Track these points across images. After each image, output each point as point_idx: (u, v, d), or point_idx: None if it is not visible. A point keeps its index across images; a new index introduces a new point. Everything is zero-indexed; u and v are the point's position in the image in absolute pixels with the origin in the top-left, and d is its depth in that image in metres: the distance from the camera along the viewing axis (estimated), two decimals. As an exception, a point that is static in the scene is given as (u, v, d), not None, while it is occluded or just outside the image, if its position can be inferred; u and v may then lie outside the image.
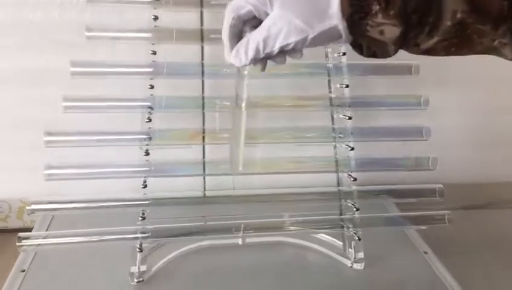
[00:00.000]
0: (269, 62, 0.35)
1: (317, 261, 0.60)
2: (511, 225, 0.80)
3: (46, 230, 0.61)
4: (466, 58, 0.32)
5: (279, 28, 0.32)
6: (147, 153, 0.53)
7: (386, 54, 0.32)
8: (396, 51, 0.32)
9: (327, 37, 0.32)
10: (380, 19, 0.29)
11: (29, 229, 0.52)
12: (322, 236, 0.63)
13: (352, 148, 0.57)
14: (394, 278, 0.57)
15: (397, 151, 0.60)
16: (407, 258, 0.61)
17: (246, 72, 0.39)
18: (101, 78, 0.52)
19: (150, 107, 0.53)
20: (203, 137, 0.55)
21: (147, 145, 0.53)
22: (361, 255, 0.58)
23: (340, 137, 0.58)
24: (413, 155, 0.59)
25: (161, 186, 0.56)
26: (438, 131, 0.59)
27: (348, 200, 0.58)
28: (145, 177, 0.54)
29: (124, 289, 0.53)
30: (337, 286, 0.56)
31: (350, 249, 0.59)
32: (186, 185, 0.62)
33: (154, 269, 0.56)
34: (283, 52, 0.33)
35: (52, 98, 0.51)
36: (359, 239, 0.58)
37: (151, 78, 0.52)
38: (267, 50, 0.33)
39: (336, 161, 0.59)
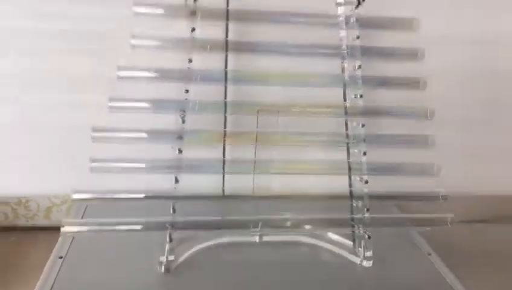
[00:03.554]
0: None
1: (328, 259, 0.65)
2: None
3: (81, 220, 0.66)
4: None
5: None
6: (180, 151, 0.59)
7: None
8: None
9: None
10: None
11: (57, 228, 0.57)
12: (334, 236, 0.67)
13: (365, 153, 0.62)
14: (401, 275, 0.62)
15: (404, 158, 0.65)
16: (413, 258, 0.66)
17: None
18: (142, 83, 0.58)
19: (183, 110, 0.59)
20: (224, 139, 0.60)
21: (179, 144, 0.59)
22: (370, 253, 0.63)
23: (353, 143, 0.63)
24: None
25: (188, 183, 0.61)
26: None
27: (359, 201, 0.64)
28: (176, 173, 0.59)
29: (152, 276, 0.58)
30: (347, 281, 0.61)
31: (360, 248, 0.64)
32: (215, 183, 0.68)
33: (180, 259, 0.61)
34: None
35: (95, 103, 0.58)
36: (369, 237, 0.63)
37: (185, 84, 0.58)
38: None
39: (349, 165, 0.64)
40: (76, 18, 0.66)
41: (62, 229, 0.56)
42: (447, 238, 0.67)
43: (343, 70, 0.62)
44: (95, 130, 0.56)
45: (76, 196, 0.57)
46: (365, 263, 0.63)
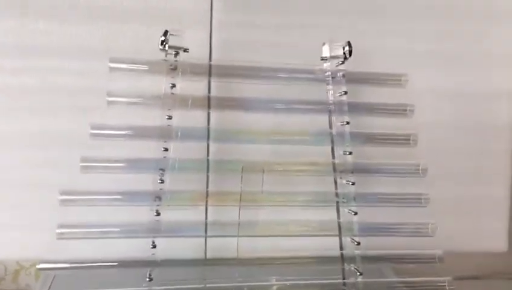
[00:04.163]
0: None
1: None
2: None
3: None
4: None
5: None
6: (158, 214, 0.55)
7: None
8: None
9: None
10: None
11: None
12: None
13: (356, 213, 0.59)
14: None
15: (394, 217, 0.62)
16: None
17: None
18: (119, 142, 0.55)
19: (162, 169, 0.55)
20: (207, 199, 0.57)
21: (157, 205, 0.55)
22: (366, 321, 0.58)
23: (343, 202, 0.60)
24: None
25: (166, 247, 0.56)
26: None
27: (351, 265, 0.60)
28: (154, 237, 0.55)
29: None
30: None
31: (353, 318, 0.59)
32: (196, 245, 0.63)
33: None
34: None
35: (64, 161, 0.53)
36: (363, 304, 0.58)
37: (165, 141, 0.55)
38: None
39: (339, 225, 0.60)
40: (47, 72, 0.63)
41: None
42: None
43: (330, 126, 0.60)
44: (63, 193, 0.52)
45: (42, 266, 0.51)
46: (361, 334, 0.58)
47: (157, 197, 0.55)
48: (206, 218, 0.61)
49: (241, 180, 0.57)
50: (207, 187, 0.58)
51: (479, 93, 0.78)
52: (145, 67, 0.55)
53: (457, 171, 0.79)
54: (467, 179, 0.80)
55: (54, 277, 0.64)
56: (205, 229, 0.57)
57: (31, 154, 0.65)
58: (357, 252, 0.59)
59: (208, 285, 0.57)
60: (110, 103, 0.53)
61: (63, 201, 0.52)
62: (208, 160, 0.57)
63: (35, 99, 0.63)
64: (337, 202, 0.60)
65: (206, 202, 0.56)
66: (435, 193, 0.62)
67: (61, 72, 0.62)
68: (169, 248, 0.56)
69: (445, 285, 0.61)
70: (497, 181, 0.82)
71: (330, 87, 0.60)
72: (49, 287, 0.62)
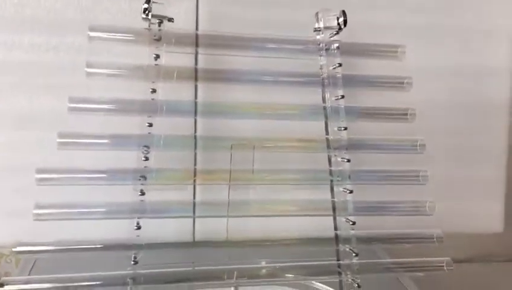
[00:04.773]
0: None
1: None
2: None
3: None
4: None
5: None
6: (143, 193, 0.52)
7: None
8: None
9: None
10: None
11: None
12: (318, 285, 0.60)
13: (351, 191, 0.56)
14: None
15: (392, 196, 0.60)
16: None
17: None
18: (97, 116, 0.51)
19: (147, 146, 0.52)
20: (195, 178, 0.54)
21: (141, 185, 0.52)
22: (360, 305, 0.56)
23: (338, 180, 0.57)
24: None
25: (152, 230, 0.53)
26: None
27: (346, 245, 0.57)
28: (139, 218, 0.51)
29: None
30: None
31: (349, 300, 0.57)
32: (183, 227, 0.60)
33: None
34: None
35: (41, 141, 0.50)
36: (359, 286, 0.56)
37: (149, 116, 0.52)
38: None
39: (333, 205, 0.58)
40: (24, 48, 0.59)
41: (2, 290, 0.47)
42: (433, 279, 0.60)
43: (324, 100, 0.57)
44: (39, 171, 0.48)
45: (19, 249, 0.48)
46: (355, 315, 0.56)
47: (142, 176, 0.52)
48: (194, 198, 0.58)
49: (231, 159, 0.54)
50: (195, 165, 0.55)
51: (476, 71, 0.76)
52: (127, 36, 0.51)
53: (453, 151, 0.78)
54: (463, 158, 0.79)
55: (34, 262, 0.61)
56: (193, 209, 0.54)
57: (7, 136, 0.61)
58: (352, 232, 0.57)
59: (196, 268, 0.54)
60: (89, 74, 0.50)
61: (40, 180, 0.48)
62: (195, 136, 0.53)
63: (7, 79, 0.59)
64: (331, 181, 0.57)
65: (194, 180, 0.53)
66: (429, 174, 0.59)
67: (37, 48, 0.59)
68: (155, 231, 0.53)
69: (443, 265, 0.58)
70: (493, 161, 0.81)
71: (324, 59, 0.57)
72: (29, 273, 0.59)
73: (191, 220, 0.62)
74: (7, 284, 0.48)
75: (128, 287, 0.51)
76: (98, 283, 0.50)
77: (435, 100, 0.74)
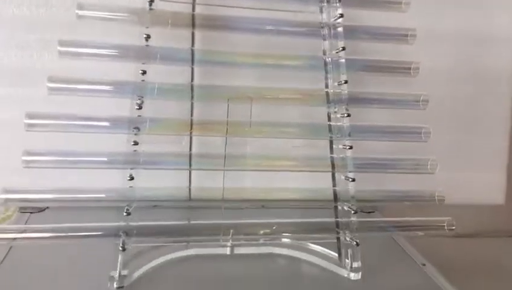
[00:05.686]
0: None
1: (310, 272, 0.56)
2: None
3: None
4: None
5: None
6: (136, 143, 0.50)
7: None
8: None
9: None
10: None
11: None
12: (316, 247, 0.59)
13: (351, 147, 0.54)
14: (394, 288, 0.54)
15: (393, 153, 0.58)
16: (405, 269, 0.58)
17: None
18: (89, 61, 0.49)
19: (140, 95, 0.50)
20: (191, 129, 0.52)
21: (135, 134, 0.50)
22: (358, 264, 0.55)
23: (337, 136, 0.56)
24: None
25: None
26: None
27: (345, 203, 0.56)
28: (132, 169, 0.50)
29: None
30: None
31: (347, 260, 0.55)
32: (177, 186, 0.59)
33: (135, 274, 0.51)
34: None
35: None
36: (357, 244, 0.54)
37: (143, 63, 0.50)
38: None
39: (332, 161, 0.56)
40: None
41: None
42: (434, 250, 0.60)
43: (324, 52, 0.55)
44: (30, 116, 0.46)
45: (4, 196, 0.47)
46: (353, 276, 0.54)
47: (135, 127, 0.50)
48: (190, 149, 0.56)
49: (228, 111, 0.52)
50: (191, 115, 0.53)
51: (480, 37, 0.74)
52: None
53: (455, 120, 0.76)
54: (465, 128, 0.77)
55: (29, 217, 0.60)
56: (189, 161, 0.52)
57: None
58: (351, 189, 0.55)
59: (192, 222, 0.53)
60: (80, 17, 0.48)
61: (30, 125, 0.47)
62: (192, 85, 0.51)
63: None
64: (331, 136, 0.56)
65: (191, 131, 0.51)
66: (431, 144, 0.57)
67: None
68: (149, 189, 0.52)
69: (444, 225, 0.57)
70: (495, 131, 0.79)
71: (325, 9, 0.55)
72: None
73: (187, 178, 0.61)
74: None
75: (121, 240, 0.50)
76: (89, 233, 0.49)
77: (437, 66, 0.72)
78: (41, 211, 0.63)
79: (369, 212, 0.69)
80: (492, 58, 0.77)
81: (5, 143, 0.60)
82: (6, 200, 0.47)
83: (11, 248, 0.52)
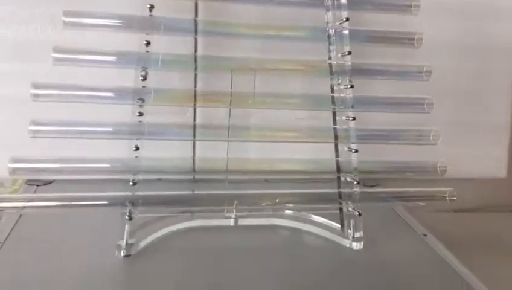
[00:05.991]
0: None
1: (313, 243, 0.57)
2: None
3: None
4: None
5: None
6: (141, 114, 0.50)
7: None
8: None
9: None
10: None
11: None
12: (318, 218, 0.60)
13: (354, 118, 0.55)
14: (396, 257, 0.55)
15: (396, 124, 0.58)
16: (407, 239, 0.59)
17: None
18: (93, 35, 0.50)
19: (144, 66, 0.50)
20: (195, 100, 0.52)
21: (139, 106, 0.51)
22: (360, 234, 0.55)
23: (340, 108, 0.56)
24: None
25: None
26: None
27: (348, 174, 0.56)
28: (137, 139, 0.50)
29: (109, 262, 0.49)
30: (335, 266, 0.52)
31: (349, 230, 0.56)
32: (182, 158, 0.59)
33: (142, 244, 0.52)
34: None
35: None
36: (359, 215, 0.55)
37: (147, 34, 0.50)
38: None
39: (335, 132, 0.56)
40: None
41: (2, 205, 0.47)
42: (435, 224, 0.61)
43: (327, 23, 0.55)
44: (35, 86, 0.47)
45: (12, 165, 0.47)
46: (355, 245, 0.56)
47: (140, 98, 0.51)
48: (194, 120, 0.56)
49: (231, 83, 0.52)
50: (195, 86, 0.53)
51: (487, 12, 0.73)
52: None
53: (457, 94, 0.75)
54: (467, 101, 0.77)
55: (35, 190, 0.60)
56: (193, 132, 0.53)
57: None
58: (354, 160, 0.56)
59: (196, 192, 0.54)
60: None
61: (35, 96, 0.47)
62: (195, 56, 0.52)
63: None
64: (334, 108, 0.56)
65: (195, 102, 0.51)
66: (433, 117, 0.57)
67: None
68: (154, 160, 0.52)
69: (445, 195, 0.58)
70: (498, 105, 0.79)
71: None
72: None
73: (191, 149, 0.61)
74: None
75: (127, 209, 0.51)
76: (96, 203, 0.50)
77: (440, 40, 0.71)
78: (48, 184, 0.65)
79: (372, 186, 0.70)
80: (497, 31, 0.76)
81: (10, 118, 0.60)
82: (15, 169, 0.48)
83: (20, 216, 0.53)
